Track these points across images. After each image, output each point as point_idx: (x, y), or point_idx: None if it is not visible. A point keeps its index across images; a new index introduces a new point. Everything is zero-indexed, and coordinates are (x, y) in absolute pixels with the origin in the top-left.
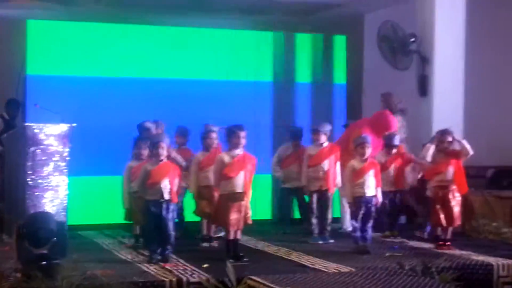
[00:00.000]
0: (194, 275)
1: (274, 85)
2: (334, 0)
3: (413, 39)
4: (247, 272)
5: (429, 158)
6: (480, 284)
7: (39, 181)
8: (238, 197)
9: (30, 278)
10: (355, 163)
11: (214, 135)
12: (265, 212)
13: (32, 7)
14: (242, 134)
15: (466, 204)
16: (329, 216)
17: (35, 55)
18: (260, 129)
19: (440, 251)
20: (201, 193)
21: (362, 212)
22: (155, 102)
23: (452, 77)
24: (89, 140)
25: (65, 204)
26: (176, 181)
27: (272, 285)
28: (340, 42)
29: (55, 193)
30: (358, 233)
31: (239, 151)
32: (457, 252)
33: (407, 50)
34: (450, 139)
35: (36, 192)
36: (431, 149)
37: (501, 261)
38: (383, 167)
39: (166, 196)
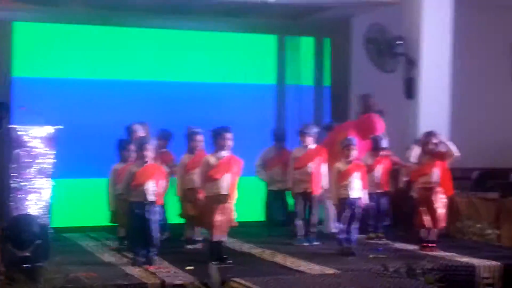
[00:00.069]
0: (178, 278)
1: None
2: (321, 3)
3: (399, 42)
4: (231, 274)
5: (413, 159)
6: (462, 285)
7: (23, 183)
8: (223, 199)
9: (13, 281)
10: (340, 165)
11: (199, 137)
12: (260, 214)
13: (18, 10)
14: (229, 136)
15: (451, 205)
16: (314, 218)
17: (21, 57)
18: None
19: (424, 252)
20: (186, 195)
21: (347, 214)
22: (141, 104)
23: (438, 79)
24: (75, 142)
25: (49, 207)
26: (162, 183)
27: (256, 287)
28: (327, 45)
29: (39, 195)
30: (343, 235)
31: (225, 153)
32: (441, 253)
33: (394, 52)
34: (436, 141)
35: (20, 194)
36: (416, 150)
37: (484, 262)
38: (369, 169)
39: (150, 198)
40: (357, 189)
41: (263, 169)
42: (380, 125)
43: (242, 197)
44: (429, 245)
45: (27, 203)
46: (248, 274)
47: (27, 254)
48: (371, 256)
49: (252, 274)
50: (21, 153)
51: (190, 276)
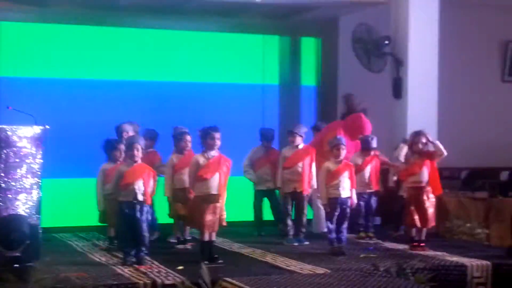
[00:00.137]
0: (168, 277)
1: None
2: (309, 3)
3: (387, 42)
4: (221, 274)
5: (401, 158)
6: (454, 285)
7: (12, 183)
8: (213, 199)
9: (2, 281)
10: (329, 164)
11: (189, 137)
12: (248, 214)
13: (5, 9)
14: (217, 135)
15: (440, 205)
16: (304, 218)
17: (8, 57)
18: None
19: (414, 252)
20: (175, 195)
21: (337, 213)
22: (129, 104)
23: (426, 79)
24: (63, 142)
25: (38, 207)
26: (151, 182)
27: (247, 287)
28: (314, 44)
29: (28, 195)
30: (333, 235)
31: (214, 153)
32: (431, 253)
33: (381, 52)
34: (424, 140)
35: (9, 194)
36: (404, 149)
37: (475, 261)
38: (359, 169)
39: (139, 197)
40: (347, 189)
41: (251, 169)
42: (368, 125)
43: (230, 196)
44: (420, 244)
45: (16, 203)
46: (239, 273)
47: (17, 254)
48: (361, 255)
49: (243, 274)
50: (10, 153)
51: (181, 276)
